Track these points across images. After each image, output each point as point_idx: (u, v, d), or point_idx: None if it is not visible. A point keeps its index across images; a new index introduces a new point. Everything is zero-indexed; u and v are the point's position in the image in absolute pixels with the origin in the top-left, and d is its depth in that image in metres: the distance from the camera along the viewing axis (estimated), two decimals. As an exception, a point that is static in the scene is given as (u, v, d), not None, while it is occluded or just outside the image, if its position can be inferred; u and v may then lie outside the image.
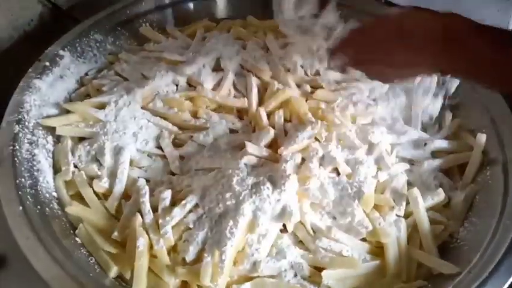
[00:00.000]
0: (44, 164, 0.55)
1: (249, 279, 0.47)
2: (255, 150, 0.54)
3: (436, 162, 0.59)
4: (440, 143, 0.61)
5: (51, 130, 0.58)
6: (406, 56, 0.51)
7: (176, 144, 0.60)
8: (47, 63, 0.62)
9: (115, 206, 0.52)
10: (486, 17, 0.91)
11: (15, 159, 0.52)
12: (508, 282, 0.44)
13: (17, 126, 0.55)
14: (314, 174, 0.52)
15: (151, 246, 0.48)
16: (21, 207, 0.47)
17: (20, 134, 0.54)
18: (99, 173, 0.55)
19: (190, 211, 0.50)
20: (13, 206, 0.47)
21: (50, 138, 0.58)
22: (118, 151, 0.56)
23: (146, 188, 0.52)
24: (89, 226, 0.50)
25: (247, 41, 0.71)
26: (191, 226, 0.49)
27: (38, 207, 0.49)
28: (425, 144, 0.61)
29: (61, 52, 0.64)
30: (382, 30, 0.53)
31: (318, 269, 0.48)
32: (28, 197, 0.49)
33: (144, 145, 0.58)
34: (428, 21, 0.49)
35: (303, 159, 0.54)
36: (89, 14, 0.75)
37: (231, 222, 0.47)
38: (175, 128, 0.60)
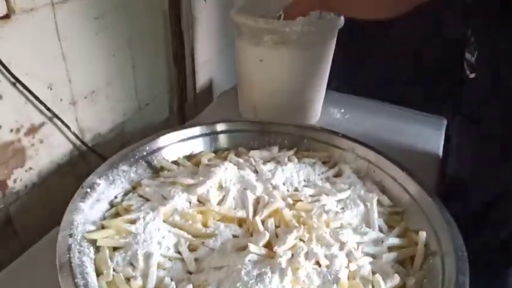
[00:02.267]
0: (90, 268, 0.69)
1: None
2: (255, 249, 0.71)
3: (392, 255, 0.75)
4: (394, 240, 0.78)
5: (92, 242, 0.73)
6: None
7: (191, 249, 0.75)
8: (88, 190, 0.79)
9: (149, 299, 0.66)
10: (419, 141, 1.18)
11: (72, 264, 0.65)
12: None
13: (70, 239, 0.69)
14: (302, 265, 0.68)
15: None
16: (81, 300, 0.61)
17: (72, 246, 0.68)
18: (133, 274, 0.69)
19: (209, 299, 0.65)
20: (75, 299, 0.61)
21: (91, 249, 0.73)
22: (147, 256, 0.71)
23: (173, 283, 0.67)
24: (129, 314, 0.63)
25: (242, 167, 0.92)
26: (212, 309, 0.63)
27: (92, 300, 0.63)
28: (382, 241, 0.78)
29: (98, 180, 0.81)
30: None
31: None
32: (84, 293, 0.63)
33: (166, 251, 0.73)
34: None
35: (292, 255, 0.71)
36: (108, 150, 0.95)
37: (242, 304, 0.62)
38: (189, 236, 0.75)
